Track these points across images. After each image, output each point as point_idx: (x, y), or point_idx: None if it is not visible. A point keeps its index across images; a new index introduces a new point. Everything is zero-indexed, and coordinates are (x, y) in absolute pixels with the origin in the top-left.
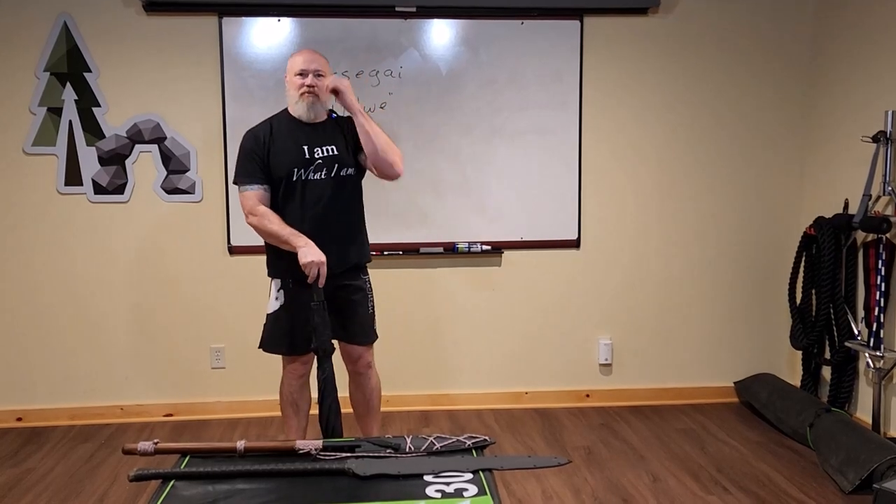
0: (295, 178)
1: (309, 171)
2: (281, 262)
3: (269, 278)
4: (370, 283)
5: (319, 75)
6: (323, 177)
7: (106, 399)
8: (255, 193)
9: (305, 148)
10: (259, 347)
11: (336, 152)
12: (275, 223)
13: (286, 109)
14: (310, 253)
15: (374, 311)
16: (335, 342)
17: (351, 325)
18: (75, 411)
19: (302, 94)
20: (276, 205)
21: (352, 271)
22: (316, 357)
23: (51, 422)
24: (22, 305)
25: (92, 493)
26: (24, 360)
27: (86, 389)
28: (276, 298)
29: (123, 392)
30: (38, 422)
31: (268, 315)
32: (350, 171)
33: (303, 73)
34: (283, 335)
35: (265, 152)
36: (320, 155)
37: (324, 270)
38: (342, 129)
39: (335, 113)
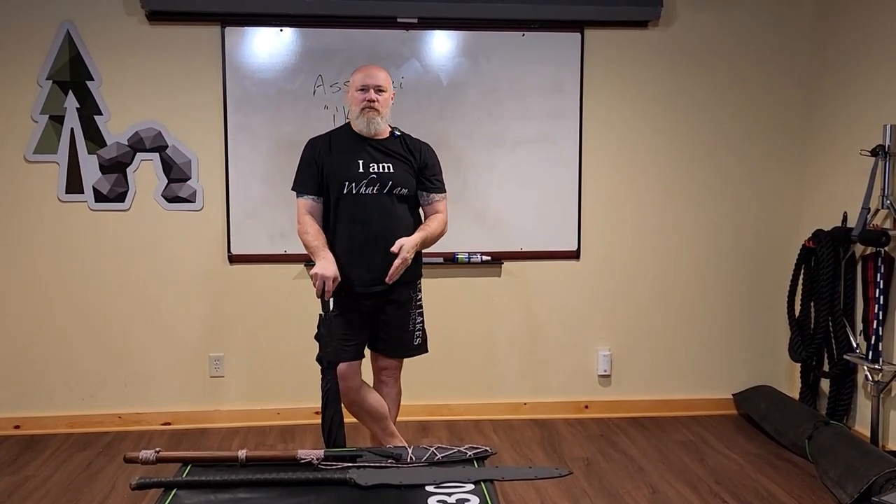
0: (346, 191)
1: (361, 185)
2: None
3: None
4: (419, 301)
5: (381, 91)
6: (374, 192)
7: (104, 407)
8: (304, 203)
9: (360, 162)
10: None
11: (392, 170)
12: (310, 234)
13: (348, 123)
14: (319, 266)
15: (415, 328)
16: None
17: (387, 338)
18: (73, 419)
19: (363, 109)
20: (329, 216)
21: (399, 287)
22: (320, 368)
23: (49, 430)
24: (20, 313)
25: (90, 502)
26: (22, 367)
27: (84, 397)
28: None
29: (122, 400)
30: (36, 429)
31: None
32: (404, 190)
33: (364, 88)
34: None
35: (320, 163)
36: (375, 170)
37: (329, 286)
38: (403, 148)
39: (398, 131)
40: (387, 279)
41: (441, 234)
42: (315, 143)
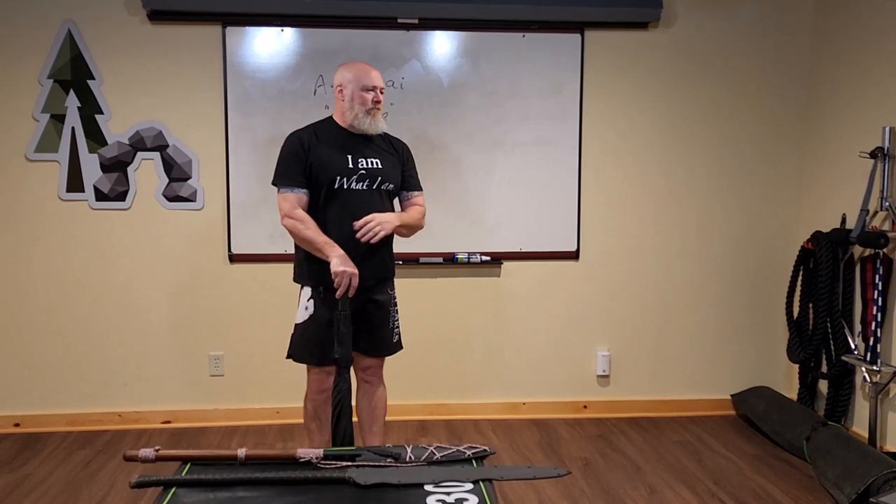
0: (337, 186)
1: (352, 181)
2: (314, 267)
3: (299, 286)
4: (395, 298)
5: (381, 92)
6: (364, 187)
7: (104, 405)
8: (295, 196)
9: (350, 157)
10: (287, 357)
11: (380, 166)
12: (311, 229)
13: (331, 118)
14: (342, 263)
15: (394, 326)
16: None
17: (371, 338)
18: (73, 417)
19: (370, 109)
20: (316, 211)
21: (381, 284)
22: (336, 367)
23: (48, 427)
24: (21, 311)
25: (90, 500)
26: (22, 365)
27: (84, 395)
28: (306, 308)
29: (122, 399)
30: (35, 427)
31: (297, 325)
32: (391, 186)
33: (372, 89)
34: (313, 345)
35: (308, 157)
36: (364, 166)
37: (355, 282)
38: (390, 147)
39: (384, 130)
40: (358, 234)
41: (418, 226)
42: (300, 137)
